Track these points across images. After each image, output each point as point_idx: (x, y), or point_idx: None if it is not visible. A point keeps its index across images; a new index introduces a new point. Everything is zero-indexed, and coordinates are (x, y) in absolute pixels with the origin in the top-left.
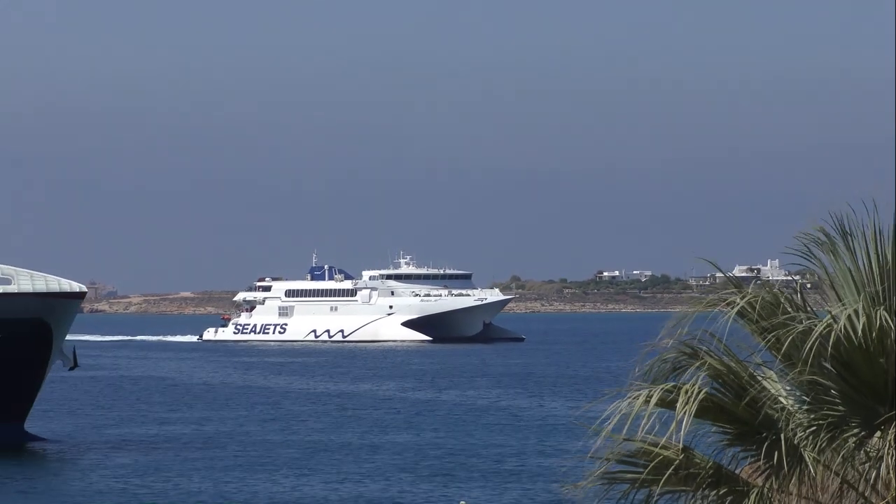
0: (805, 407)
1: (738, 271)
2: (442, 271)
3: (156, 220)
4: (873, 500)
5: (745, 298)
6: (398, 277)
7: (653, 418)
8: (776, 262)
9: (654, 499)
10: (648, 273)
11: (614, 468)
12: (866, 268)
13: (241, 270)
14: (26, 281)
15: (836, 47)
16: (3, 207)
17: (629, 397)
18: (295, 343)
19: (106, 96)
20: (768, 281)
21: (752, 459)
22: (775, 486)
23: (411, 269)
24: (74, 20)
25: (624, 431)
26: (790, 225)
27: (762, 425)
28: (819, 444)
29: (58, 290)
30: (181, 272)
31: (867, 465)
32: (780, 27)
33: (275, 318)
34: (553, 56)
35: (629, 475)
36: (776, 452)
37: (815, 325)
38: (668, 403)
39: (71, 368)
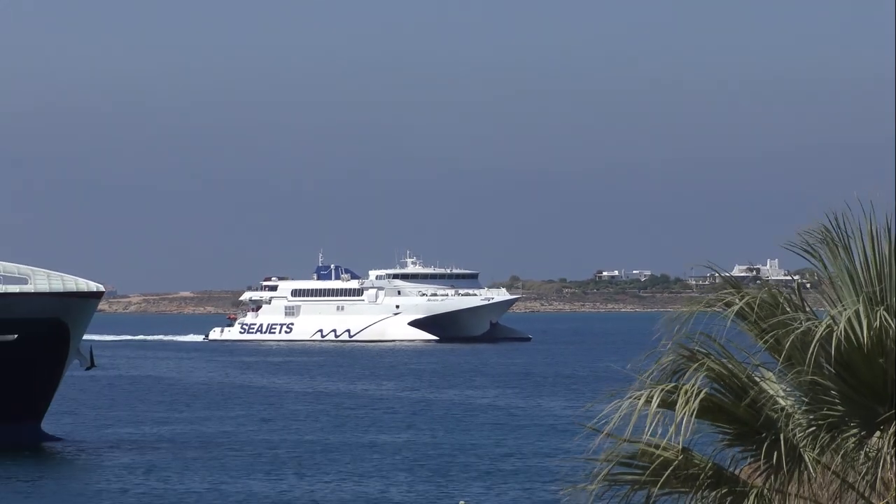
0: (805, 407)
1: (738, 271)
2: (448, 271)
3: (155, 219)
4: (873, 501)
5: (744, 299)
6: (405, 277)
7: (653, 419)
8: (776, 261)
9: (654, 500)
10: (648, 273)
11: (614, 470)
12: (865, 268)
13: (240, 270)
14: (43, 280)
15: (836, 47)
16: (3, 207)
17: (629, 398)
18: (301, 343)
19: (106, 96)
20: (767, 281)
21: (752, 460)
22: (775, 487)
23: (418, 269)
24: (74, 20)
25: (626, 434)
26: (790, 225)
27: (762, 426)
28: (819, 444)
29: (75, 290)
30: (181, 272)
31: (867, 465)
32: (780, 27)
33: (281, 318)
34: (553, 56)
35: (629, 476)
36: (776, 453)
37: (815, 326)
38: (668, 404)
39: (88, 368)
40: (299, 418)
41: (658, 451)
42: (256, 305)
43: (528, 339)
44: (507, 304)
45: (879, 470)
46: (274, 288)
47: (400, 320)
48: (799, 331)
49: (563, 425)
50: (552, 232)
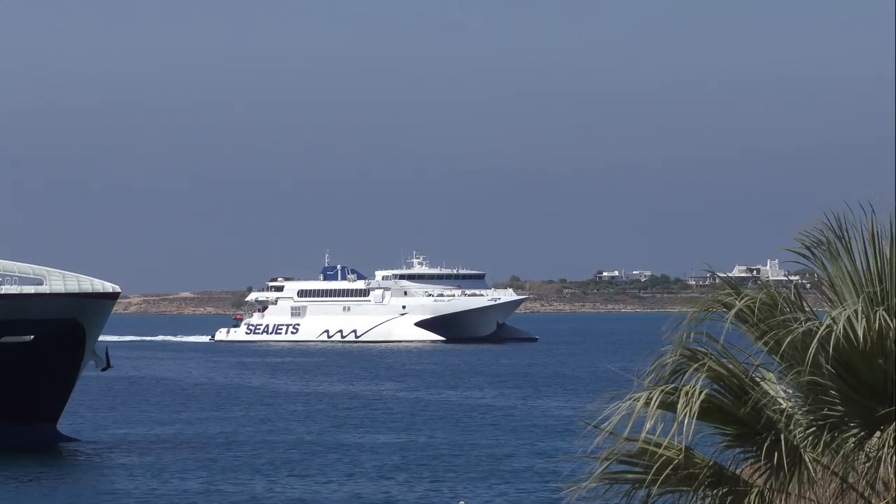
0: (805, 408)
1: (738, 271)
2: (455, 271)
3: (155, 219)
4: (873, 501)
5: (744, 300)
6: (411, 277)
7: (653, 419)
8: (776, 262)
9: (654, 499)
10: (648, 273)
11: (614, 468)
12: (865, 268)
13: (240, 271)
14: (58, 281)
15: (836, 47)
16: (3, 208)
17: (629, 399)
18: (307, 343)
19: (105, 96)
20: (766, 282)
21: (753, 460)
22: (775, 487)
23: (424, 269)
24: (74, 20)
25: (626, 433)
26: (790, 225)
27: (762, 426)
28: (819, 444)
29: (90, 291)
30: (181, 272)
31: (867, 465)
32: (780, 27)
33: (287, 319)
34: (553, 56)
35: (629, 475)
36: (776, 453)
37: (815, 327)
38: (668, 405)
39: (104, 369)
40: (298, 418)
41: (659, 450)
42: (262, 306)
43: (535, 340)
44: (513, 304)
45: (880, 470)
46: (280, 288)
47: (406, 321)
48: (799, 331)
49: (563, 425)
50: (552, 232)
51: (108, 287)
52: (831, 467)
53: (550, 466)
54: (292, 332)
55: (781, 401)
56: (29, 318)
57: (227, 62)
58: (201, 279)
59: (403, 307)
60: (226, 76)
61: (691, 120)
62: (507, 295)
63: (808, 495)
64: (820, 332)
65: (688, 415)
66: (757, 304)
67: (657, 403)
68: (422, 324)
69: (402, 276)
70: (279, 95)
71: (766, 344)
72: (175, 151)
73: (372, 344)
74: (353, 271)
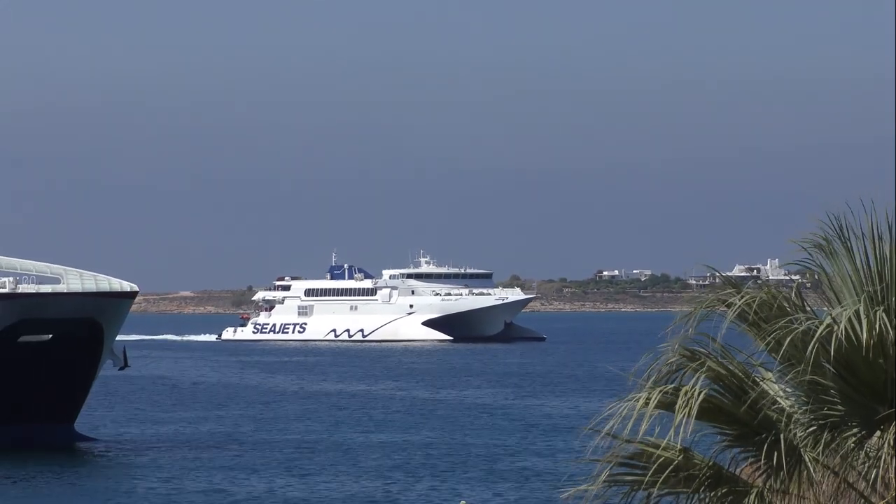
0: (805, 407)
1: (738, 271)
2: (462, 270)
3: (155, 219)
4: (873, 500)
5: (744, 299)
6: (418, 277)
7: (653, 420)
8: (776, 261)
9: (654, 500)
10: (648, 272)
11: (614, 471)
12: (864, 268)
13: (240, 270)
14: (75, 280)
15: (836, 47)
16: (3, 208)
17: (629, 399)
18: (314, 342)
19: (105, 96)
20: (766, 281)
21: (752, 460)
22: (775, 487)
23: (432, 269)
24: (74, 20)
25: (625, 433)
26: (790, 225)
27: (762, 426)
28: (819, 444)
29: (108, 290)
30: (181, 271)
31: (867, 465)
32: (780, 27)
33: (294, 318)
34: (553, 56)
35: (629, 477)
36: (776, 453)
37: (816, 326)
38: (668, 405)
39: (121, 368)
40: (299, 417)
41: (658, 452)
42: (269, 305)
43: (543, 339)
44: (521, 303)
45: (880, 469)
46: (287, 288)
47: (413, 320)
48: (799, 331)
49: (563, 425)
50: (552, 232)
51: (126, 286)
52: (831, 467)
53: (551, 466)
54: (299, 332)
55: (781, 400)
56: (48, 317)
57: (227, 62)
58: (201, 278)
59: (411, 306)
60: (226, 76)
61: (691, 120)
62: (515, 294)
63: (807, 495)
64: (820, 332)
65: (687, 415)
66: (757, 304)
67: (656, 403)
68: (429, 323)
69: (409, 276)
70: (279, 95)
71: (766, 344)
72: (175, 151)
73: (379, 343)
74: (360, 270)
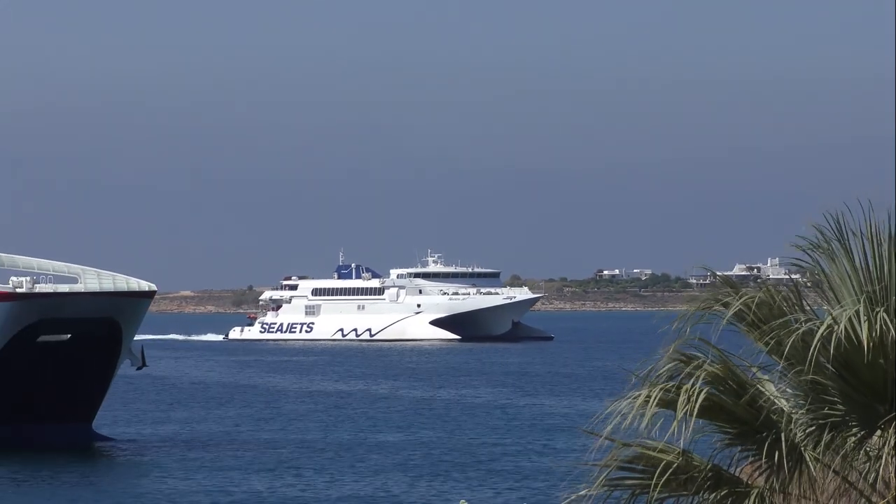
0: (805, 407)
1: (739, 270)
2: (470, 270)
3: (155, 219)
4: (874, 500)
5: (742, 300)
6: (426, 276)
7: (652, 420)
8: (776, 260)
9: (655, 503)
10: (648, 272)
11: (614, 474)
12: (864, 268)
13: (240, 270)
14: (93, 280)
15: (836, 47)
16: (2, 208)
17: (629, 397)
18: (322, 342)
19: (105, 96)
20: (765, 281)
21: (753, 459)
22: (776, 487)
23: (439, 268)
24: (74, 20)
25: (623, 430)
26: (790, 224)
27: (762, 425)
28: (820, 444)
29: (126, 290)
30: (181, 271)
31: (867, 464)
32: (780, 27)
33: (301, 317)
34: (553, 56)
35: (629, 481)
36: (777, 452)
37: (816, 326)
38: (668, 403)
39: (139, 368)
40: (299, 418)
41: (658, 454)
42: (276, 305)
43: (551, 339)
44: (529, 302)
45: (880, 469)
46: (294, 287)
47: (421, 319)
48: (800, 331)
49: (563, 425)
50: (552, 231)
51: (144, 285)
52: (832, 467)
53: (551, 467)
54: (306, 331)
55: (782, 400)
56: (67, 317)
57: (227, 62)
58: (201, 278)
59: (418, 306)
60: (226, 76)
61: (691, 120)
62: (523, 293)
63: (808, 495)
64: (821, 332)
65: (688, 413)
66: (756, 304)
67: (657, 402)
68: (437, 322)
69: (416, 275)
70: (279, 95)
71: (766, 344)
72: (175, 151)
73: (386, 343)
74: (367, 270)
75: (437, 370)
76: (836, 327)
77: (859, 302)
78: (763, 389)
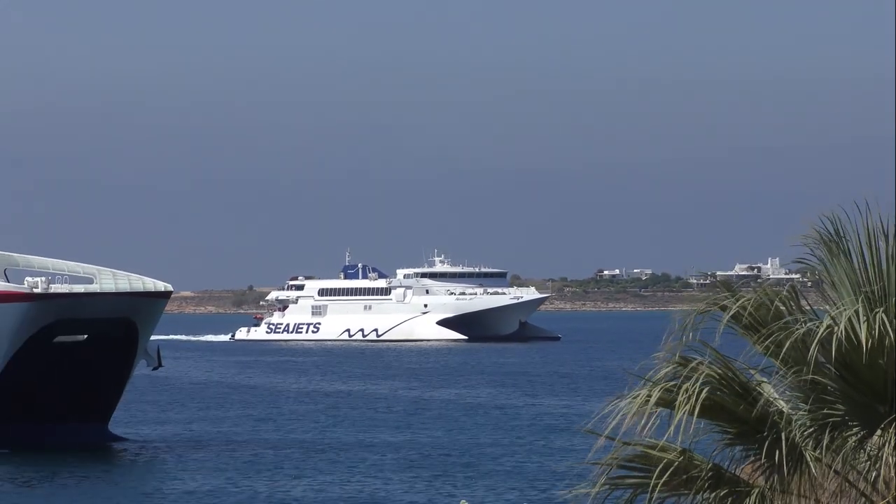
0: (806, 407)
1: (739, 269)
2: (477, 269)
3: (155, 219)
4: (874, 500)
5: (739, 303)
6: (433, 276)
7: (653, 420)
8: (776, 260)
9: (656, 502)
10: (649, 272)
11: (615, 473)
12: (864, 268)
13: (240, 269)
14: (108, 280)
15: (836, 47)
16: (2, 208)
17: (629, 397)
18: (328, 342)
19: (105, 96)
20: (763, 283)
21: (753, 459)
22: (776, 486)
23: (446, 268)
24: (74, 20)
25: (621, 434)
26: (790, 224)
27: (763, 425)
28: (820, 443)
29: (142, 290)
30: (180, 271)
31: (868, 464)
32: (780, 27)
33: (308, 318)
34: (553, 56)
35: (629, 480)
36: (777, 452)
37: (816, 327)
38: (669, 402)
39: (155, 368)
40: (298, 418)
41: (658, 454)
42: (283, 305)
43: (558, 339)
44: (536, 302)
45: (881, 469)
46: (300, 287)
47: (428, 319)
48: (800, 332)
49: (563, 425)
50: (553, 231)
51: (161, 286)
52: (832, 466)
53: (551, 466)
54: (313, 332)
55: (782, 400)
56: (83, 317)
57: (227, 62)
58: (202, 278)
59: (425, 306)
60: (226, 76)
61: (691, 120)
62: (530, 293)
63: (809, 494)
64: (820, 333)
65: (688, 412)
66: (752, 306)
67: (657, 401)
68: (444, 322)
69: (423, 275)
70: (279, 95)
71: (765, 346)
72: (175, 151)
73: (393, 343)
74: (373, 270)
75: (437, 370)
76: (835, 328)
77: (858, 302)
78: (763, 390)
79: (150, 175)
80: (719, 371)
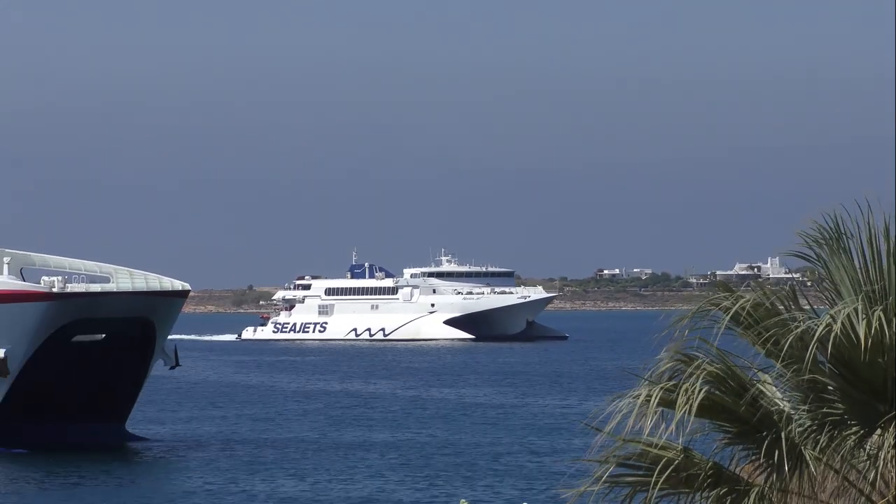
0: (805, 406)
1: (739, 269)
2: (484, 269)
3: (155, 219)
4: (873, 499)
5: (738, 303)
6: (440, 275)
7: (653, 419)
8: (776, 259)
9: (656, 501)
10: (649, 271)
11: (615, 471)
12: (863, 267)
13: (240, 269)
14: (125, 279)
15: (836, 47)
16: (2, 208)
17: (629, 396)
18: (335, 342)
19: (105, 96)
20: (761, 283)
21: (753, 458)
22: (776, 485)
23: (453, 267)
24: (74, 20)
25: (625, 432)
26: (790, 223)
27: (762, 424)
28: (819, 442)
29: (159, 289)
30: (181, 271)
31: (867, 463)
32: (780, 27)
33: (315, 317)
34: (553, 56)
35: (629, 478)
36: (776, 451)
37: (815, 325)
38: (669, 402)
39: (172, 367)
40: (296, 418)
41: (658, 451)
42: (289, 304)
43: (565, 338)
44: (543, 302)
45: (880, 467)
46: (307, 287)
47: (435, 319)
48: (799, 331)
49: (563, 424)
50: (552, 231)
51: (178, 285)
52: (832, 465)
53: (551, 466)
54: (320, 331)
55: (781, 399)
56: (101, 316)
57: (227, 62)
58: (202, 278)
59: (432, 305)
60: (226, 76)
61: (691, 120)
62: (537, 293)
63: (808, 493)
64: (819, 331)
65: (688, 412)
66: (750, 305)
67: (657, 400)
68: (451, 322)
69: (430, 274)
70: (279, 95)
71: (764, 345)
72: (175, 151)
73: (400, 342)
74: (380, 269)
75: (437, 369)
76: (834, 326)
77: (857, 301)
78: (763, 389)
79: (151, 175)
80: (720, 369)
